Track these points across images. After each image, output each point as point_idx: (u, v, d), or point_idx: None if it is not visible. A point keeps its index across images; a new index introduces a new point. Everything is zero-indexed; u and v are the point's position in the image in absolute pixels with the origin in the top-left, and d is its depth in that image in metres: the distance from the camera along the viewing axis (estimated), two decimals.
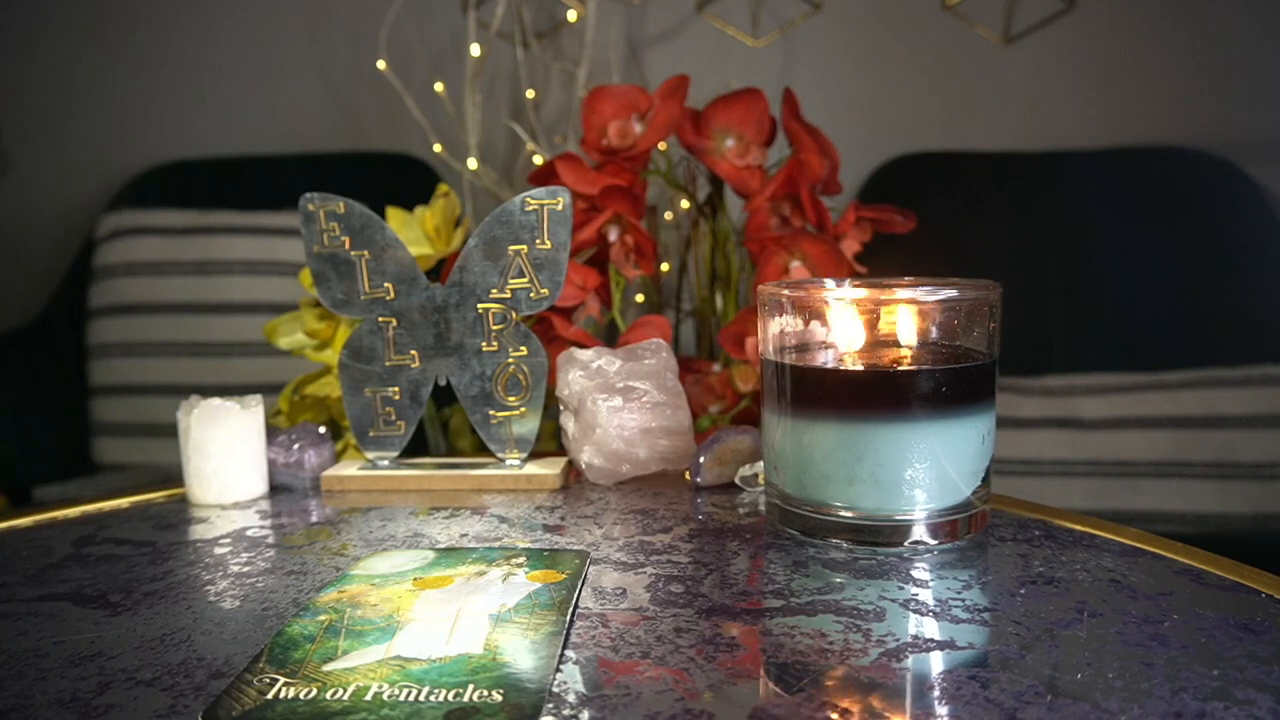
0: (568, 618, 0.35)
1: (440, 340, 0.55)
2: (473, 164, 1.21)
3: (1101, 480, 1.05)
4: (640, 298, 0.94)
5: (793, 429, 0.43)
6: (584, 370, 0.55)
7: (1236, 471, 1.03)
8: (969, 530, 0.43)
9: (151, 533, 0.48)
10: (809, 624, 0.35)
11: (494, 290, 0.54)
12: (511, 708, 0.29)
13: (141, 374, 1.28)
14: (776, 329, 0.45)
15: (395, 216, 0.70)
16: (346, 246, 0.54)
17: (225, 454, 0.52)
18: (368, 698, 0.30)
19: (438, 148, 1.28)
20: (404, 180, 1.35)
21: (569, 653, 0.33)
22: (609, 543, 0.44)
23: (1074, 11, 1.30)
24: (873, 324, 0.43)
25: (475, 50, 1.22)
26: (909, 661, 0.32)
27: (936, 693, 0.29)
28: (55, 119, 1.51)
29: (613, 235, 0.73)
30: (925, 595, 0.37)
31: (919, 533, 0.42)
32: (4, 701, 0.30)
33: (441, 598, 0.37)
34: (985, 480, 0.43)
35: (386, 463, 0.57)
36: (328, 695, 0.30)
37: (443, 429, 0.83)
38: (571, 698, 0.30)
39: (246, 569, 0.42)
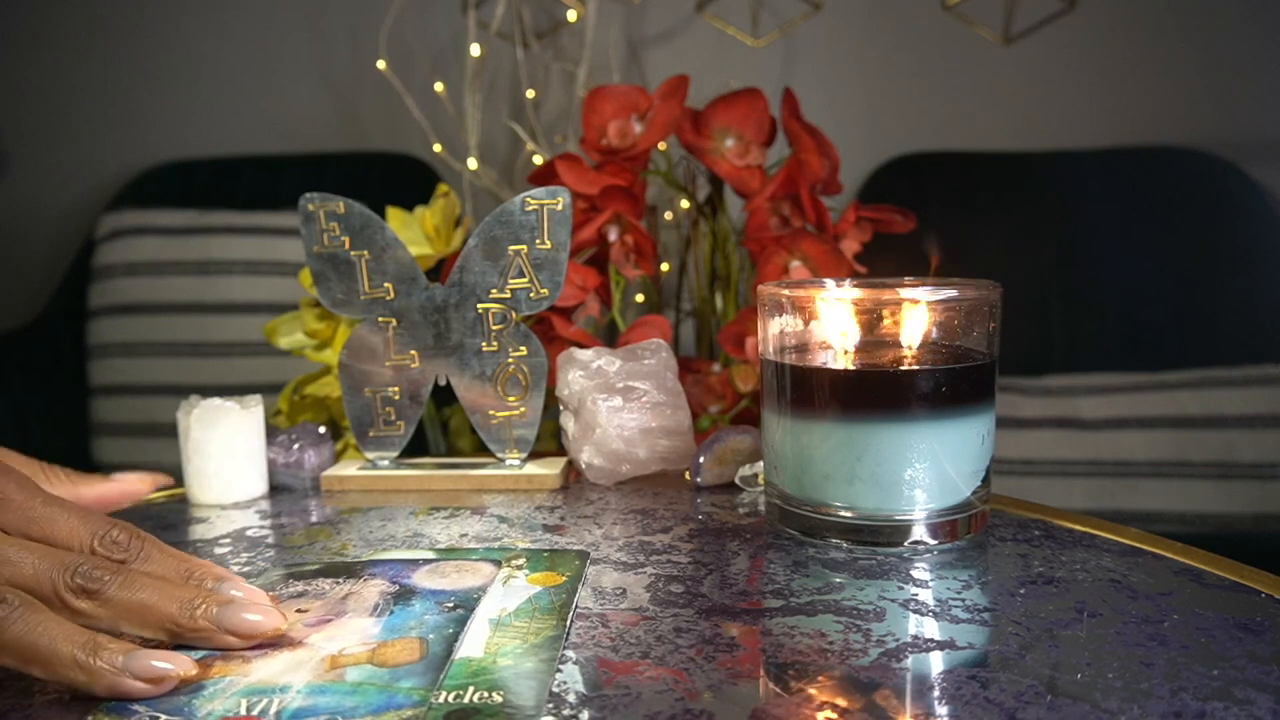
0: (568, 619, 0.35)
1: (440, 340, 0.55)
2: (473, 164, 1.21)
3: (1101, 480, 1.05)
4: (640, 298, 0.94)
5: (792, 429, 0.43)
6: (584, 370, 0.55)
7: (1236, 471, 1.03)
8: (969, 530, 0.43)
9: (151, 533, 0.48)
10: (809, 624, 0.35)
11: (494, 290, 0.54)
12: (511, 708, 0.29)
13: (141, 374, 1.28)
14: (776, 329, 0.45)
15: (395, 216, 0.70)
16: (346, 246, 0.54)
17: (225, 454, 0.52)
18: None
19: (438, 148, 1.28)
20: (404, 180, 1.35)
21: (569, 653, 0.33)
22: (609, 543, 0.44)
23: (1074, 11, 1.29)
24: (872, 324, 0.43)
25: (475, 50, 1.22)
26: (909, 661, 0.32)
27: (936, 693, 0.29)
28: (55, 119, 1.51)
29: (613, 235, 0.73)
30: (925, 595, 0.37)
31: (919, 533, 0.42)
32: (4, 701, 0.30)
33: None
34: (985, 480, 0.43)
35: (386, 463, 0.57)
36: None
37: (443, 429, 0.83)
38: (571, 698, 0.30)
39: (246, 569, 0.42)
